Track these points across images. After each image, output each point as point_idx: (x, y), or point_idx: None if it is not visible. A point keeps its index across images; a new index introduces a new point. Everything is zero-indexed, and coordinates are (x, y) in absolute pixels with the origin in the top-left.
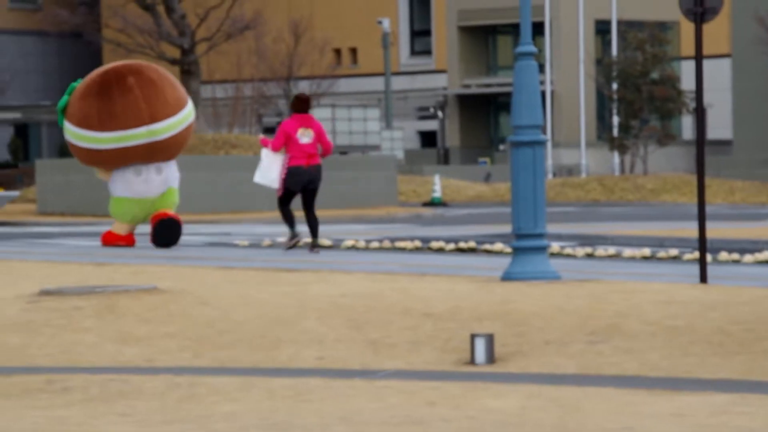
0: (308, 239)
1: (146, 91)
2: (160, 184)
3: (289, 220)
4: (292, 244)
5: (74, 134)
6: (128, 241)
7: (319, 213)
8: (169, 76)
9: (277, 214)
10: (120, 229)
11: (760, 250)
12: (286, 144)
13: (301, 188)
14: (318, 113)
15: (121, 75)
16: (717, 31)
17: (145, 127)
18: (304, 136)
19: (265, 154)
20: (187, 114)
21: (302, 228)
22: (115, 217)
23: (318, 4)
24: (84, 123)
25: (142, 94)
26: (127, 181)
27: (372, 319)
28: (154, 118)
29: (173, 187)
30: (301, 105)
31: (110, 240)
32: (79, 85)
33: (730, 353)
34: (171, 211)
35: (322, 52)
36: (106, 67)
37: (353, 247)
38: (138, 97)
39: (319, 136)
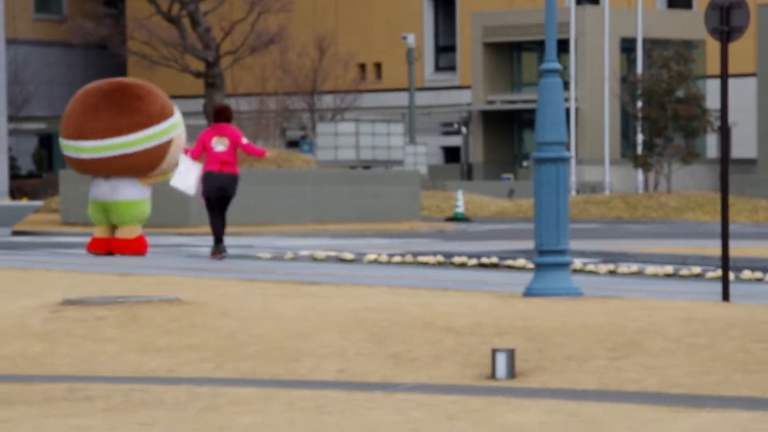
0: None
1: (120, 106)
2: (109, 190)
3: (215, 231)
4: (220, 256)
5: (62, 146)
6: (89, 246)
7: (341, 227)
8: (145, 94)
9: (298, 227)
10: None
11: None
12: (201, 151)
13: (215, 194)
14: (342, 128)
15: (102, 91)
16: (743, 50)
17: (116, 139)
18: (219, 144)
19: (183, 159)
20: (156, 133)
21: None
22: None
23: (343, 18)
24: (66, 134)
25: (116, 110)
26: (91, 184)
27: (393, 333)
28: (121, 132)
29: (129, 200)
30: (218, 115)
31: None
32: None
33: (752, 371)
34: (125, 240)
35: (347, 66)
36: (88, 85)
37: (375, 261)
38: (114, 112)
39: (235, 142)
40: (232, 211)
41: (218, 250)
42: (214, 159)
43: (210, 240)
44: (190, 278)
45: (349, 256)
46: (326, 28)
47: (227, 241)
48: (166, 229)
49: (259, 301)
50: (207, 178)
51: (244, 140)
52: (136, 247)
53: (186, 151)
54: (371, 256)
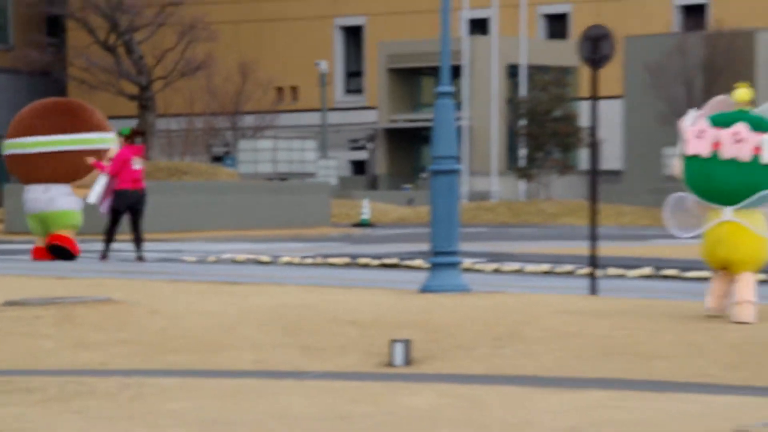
0: (135, 252)
1: (65, 112)
2: (45, 202)
3: (110, 238)
4: (104, 257)
5: (7, 146)
6: (33, 254)
7: (260, 232)
8: (88, 108)
9: (221, 233)
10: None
11: (642, 266)
12: (121, 169)
13: (126, 209)
14: (261, 144)
15: (50, 102)
16: (611, 76)
17: (54, 136)
18: (137, 163)
19: (101, 178)
20: (91, 139)
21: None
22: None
23: (264, 47)
24: (12, 134)
25: (61, 114)
26: (29, 199)
27: (304, 327)
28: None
29: (64, 209)
30: (134, 135)
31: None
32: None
33: (614, 355)
34: (62, 235)
35: (266, 90)
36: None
37: (289, 263)
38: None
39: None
40: (162, 220)
41: (139, 256)
42: (131, 177)
43: (162, 247)
44: (121, 280)
45: (266, 258)
46: (248, 55)
47: (153, 246)
48: (99, 236)
49: (184, 300)
50: (123, 195)
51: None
52: (71, 243)
53: (97, 166)
54: (286, 259)
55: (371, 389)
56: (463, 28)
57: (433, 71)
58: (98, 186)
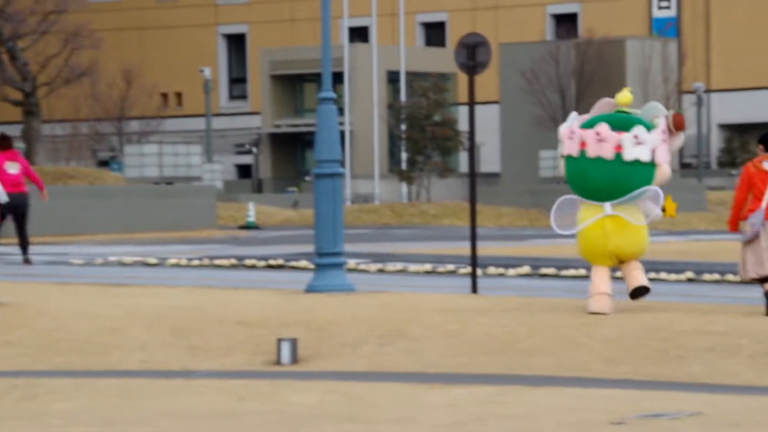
0: (21, 255)
1: None
2: None
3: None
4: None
5: None
6: None
7: (147, 235)
8: None
9: (108, 236)
10: None
11: (521, 265)
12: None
13: (10, 212)
14: (147, 149)
15: None
16: (487, 82)
17: None
18: (11, 168)
19: None
20: None
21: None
22: None
23: (148, 53)
24: None
25: None
26: None
27: (192, 327)
28: None
29: None
30: (4, 143)
31: None
32: None
33: (496, 352)
34: None
35: (151, 95)
36: None
37: (177, 265)
38: None
39: (26, 171)
40: (48, 223)
41: (26, 259)
42: (8, 181)
43: (49, 250)
44: (8, 283)
45: (153, 260)
46: (132, 62)
47: (39, 249)
48: None
49: (72, 302)
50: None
51: (32, 169)
52: None
53: None
54: (173, 261)
55: (259, 387)
56: (344, 36)
57: (315, 77)
58: None
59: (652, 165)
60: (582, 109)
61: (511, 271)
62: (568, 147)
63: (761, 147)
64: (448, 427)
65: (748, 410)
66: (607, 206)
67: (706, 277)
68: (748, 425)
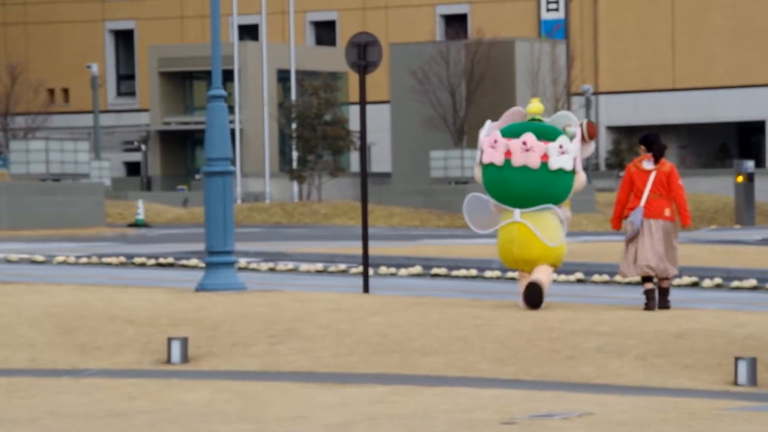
0: None
1: None
2: None
3: None
4: None
5: None
6: None
7: (34, 232)
8: None
9: (6, 233)
10: None
11: (413, 265)
12: None
13: None
14: (33, 145)
15: None
16: (378, 81)
17: None
18: None
19: None
20: None
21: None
22: None
23: (33, 49)
24: None
25: None
26: None
27: (80, 326)
28: None
29: None
30: None
31: None
32: None
33: (388, 352)
34: None
35: (37, 91)
36: None
37: (64, 262)
38: None
39: None
40: None
41: None
42: None
43: None
44: None
45: (40, 258)
46: (17, 57)
47: None
48: None
49: None
50: None
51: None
52: None
53: None
54: (60, 258)
55: (148, 386)
56: (234, 34)
57: (205, 75)
58: None
59: (572, 173)
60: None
61: (403, 271)
62: (490, 155)
63: (642, 147)
64: (340, 427)
65: (637, 410)
66: (516, 213)
67: (596, 278)
68: (636, 425)
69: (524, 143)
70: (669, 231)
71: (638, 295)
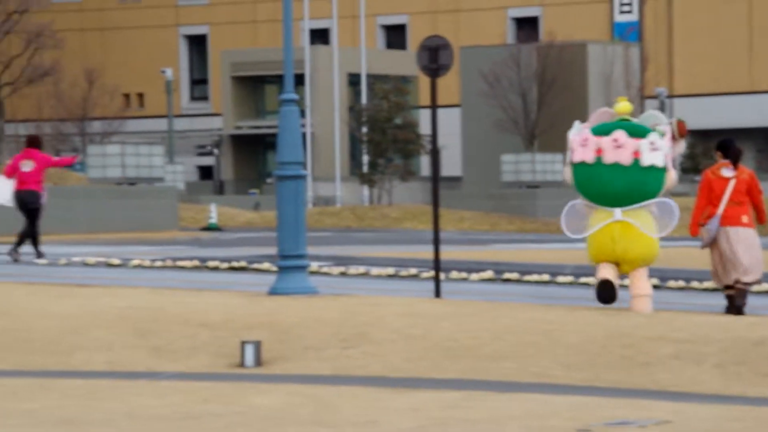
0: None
1: None
2: None
3: (21, 235)
4: (16, 256)
5: None
6: None
7: (110, 236)
8: None
9: (72, 237)
10: None
11: (484, 270)
12: (13, 172)
13: (21, 207)
14: (109, 149)
15: None
16: (449, 85)
17: None
18: (25, 166)
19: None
20: None
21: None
22: None
23: (109, 54)
24: None
25: None
26: None
27: (155, 329)
28: None
29: None
30: (28, 142)
31: None
32: None
33: (459, 357)
34: None
35: (113, 96)
36: None
37: (140, 266)
38: None
39: (45, 163)
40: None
41: (15, 251)
42: (20, 179)
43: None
44: None
45: (116, 261)
46: (95, 62)
47: (1, 249)
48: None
49: (36, 302)
50: (15, 196)
51: (54, 159)
52: None
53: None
54: (136, 261)
55: (222, 389)
56: (305, 38)
57: (277, 79)
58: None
59: (664, 170)
60: (544, 113)
61: (474, 276)
62: (581, 154)
63: (719, 153)
64: (411, 431)
65: (716, 418)
66: (617, 212)
67: (671, 284)
68: None
69: (615, 140)
70: (748, 237)
71: (715, 301)
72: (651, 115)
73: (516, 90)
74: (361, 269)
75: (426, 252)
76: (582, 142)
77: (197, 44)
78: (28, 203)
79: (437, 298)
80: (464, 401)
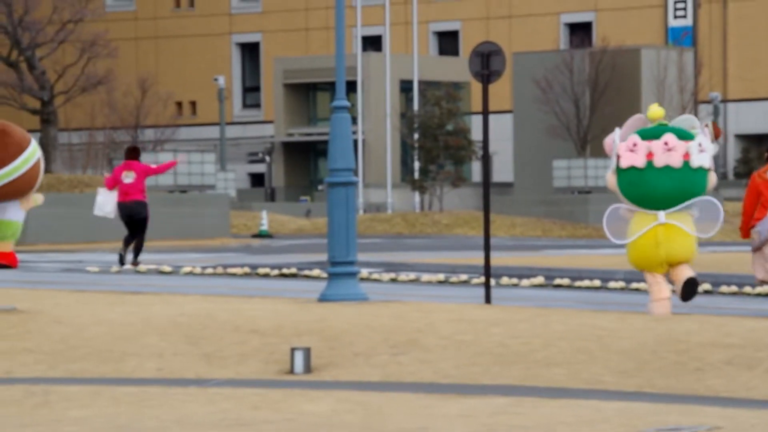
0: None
1: None
2: None
3: (124, 245)
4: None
5: None
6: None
7: (162, 243)
8: (7, 128)
9: (119, 244)
10: None
11: (535, 276)
12: (114, 183)
13: (126, 219)
14: (162, 157)
15: None
16: (501, 91)
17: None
18: (127, 177)
19: (101, 191)
20: (29, 155)
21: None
22: None
23: (162, 62)
24: None
25: None
26: None
27: (206, 335)
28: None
29: (8, 219)
30: (128, 153)
31: None
32: None
33: (509, 363)
34: (3, 249)
35: (166, 104)
36: None
37: (191, 273)
38: None
39: (146, 173)
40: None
41: (134, 261)
42: (121, 190)
43: (65, 257)
44: (26, 290)
45: (167, 268)
46: (147, 71)
47: (56, 257)
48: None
49: (88, 309)
50: (118, 208)
51: (153, 166)
52: (11, 259)
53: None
54: (187, 269)
55: (272, 396)
56: (357, 45)
57: (328, 86)
58: (99, 198)
59: (708, 171)
60: (596, 119)
61: (525, 282)
62: (630, 158)
63: (767, 155)
64: None
65: (766, 424)
66: (661, 215)
67: (723, 289)
68: None
69: (666, 143)
70: None
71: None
72: (686, 119)
73: (568, 96)
74: (412, 275)
75: (477, 258)
76: (630, 147)
77: (250, 52)
78: (133, 214)
79: (488, 304)
80: (514, 407)
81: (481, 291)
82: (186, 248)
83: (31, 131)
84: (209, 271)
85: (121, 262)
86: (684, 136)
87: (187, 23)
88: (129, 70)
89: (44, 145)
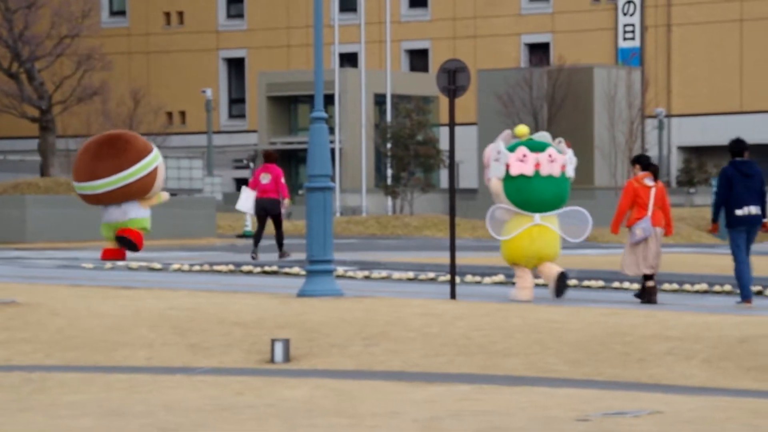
0: (276, 251)
1: (116, 149)
2: (120, 214)
3: (254, 239)
4: (251, 257)
5: (78, 188)
6: (103, 255)
7: (152, 242)
8: (131, 138)
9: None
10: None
11: (496, 274)
12: (255, 183)
13: (260, 213)
14: None
15: (98, 143)
16: (466, 104)
17: (116, 175)
18: (265, 178)
19: (244, 189)
20: (145, 165)
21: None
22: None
23: (153, 75)
24: (78, 179)
25: (114, 153)
26: (106, 212)
27: (193, 327)
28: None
29: (134, 218)
30: (266, 158)
31: (104, 254)
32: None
33: (472, 353)
34: (131, 229)
35: (157, 114)
36: (97, 135)
37: (179, 270)
38: (113, 156)
39: (277, 180)
40: (61, 230)
41: (282, 253)
42: (260, 188)
43: (62, 255)
44: (25, 285)
45: (157, 265)
46: (140, 83)
47: (53, 254)
48: (5, 244)
49: (83, 303)
50: (256, 203)
51: (282, 180)
52: (138, 238)
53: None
54: (176, 266)
55: (254, 383)
56: (335, 61)
57: (308, 99)
58: (243, 196)
59: (570, 180)
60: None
61: (487, 279)
62: (520, 167)
63: (638, 166)
64: (428, 421)
65: (703, 409)
66: (537, 217)
67: (665, 286)
68: (702, 422)
69: (550, 155)
70: (659, 237)
71: (706, 302)
72: (543, 135)
73: (528, 110)
74: (384, 273)
75: (443, 258)
76: (520, 158)
77: (235, 66)
78: (269, 210)
79: (453, 300)
80: (476, 394)
81: (447, 288)
82: (175, 247)
83: (30, 138)
84: (196, 268)
85: (253, 258)
86: (559, 150)
87: (177, 39)
88: (122, 81)
89: (43, 151)
